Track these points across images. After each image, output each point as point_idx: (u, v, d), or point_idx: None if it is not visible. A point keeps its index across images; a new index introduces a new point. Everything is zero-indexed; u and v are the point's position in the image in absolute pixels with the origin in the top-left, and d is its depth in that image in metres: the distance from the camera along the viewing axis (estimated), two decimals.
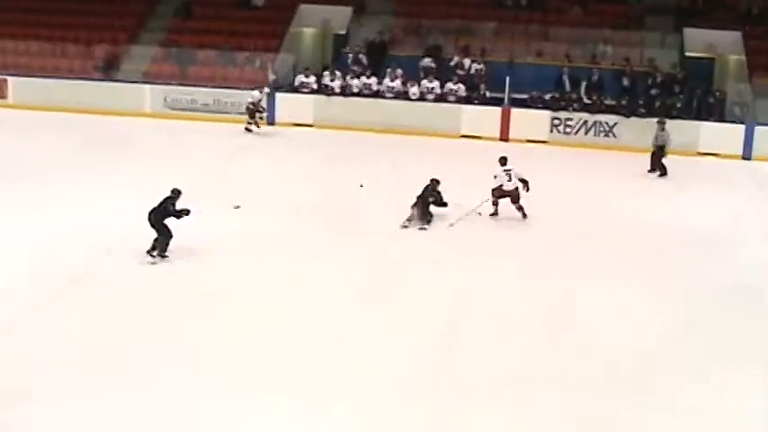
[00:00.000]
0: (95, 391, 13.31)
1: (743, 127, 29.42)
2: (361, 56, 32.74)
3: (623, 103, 30.37)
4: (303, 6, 34.58)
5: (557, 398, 13.63)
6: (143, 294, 16.89)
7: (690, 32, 32.54)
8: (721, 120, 30.07)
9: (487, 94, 31.23)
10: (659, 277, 18.53)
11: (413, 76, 31.68)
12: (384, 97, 31.46)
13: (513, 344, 15.40)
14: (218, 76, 32.81)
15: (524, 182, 21.47)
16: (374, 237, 20.29)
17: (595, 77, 30.92)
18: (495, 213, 21.82)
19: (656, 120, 27.38)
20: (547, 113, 30.57)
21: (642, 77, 31.06)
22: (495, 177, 21.56)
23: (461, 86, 31.25)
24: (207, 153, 26.94)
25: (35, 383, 13.44)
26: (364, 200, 22.85)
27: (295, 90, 31.95)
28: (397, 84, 31.46)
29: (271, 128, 30.71)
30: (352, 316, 16.21)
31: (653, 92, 30.53)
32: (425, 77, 31.55)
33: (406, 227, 20.81)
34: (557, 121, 30.44)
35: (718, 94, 30.76)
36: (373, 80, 31.56)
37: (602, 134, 30.19)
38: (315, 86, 31.79)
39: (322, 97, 31.53)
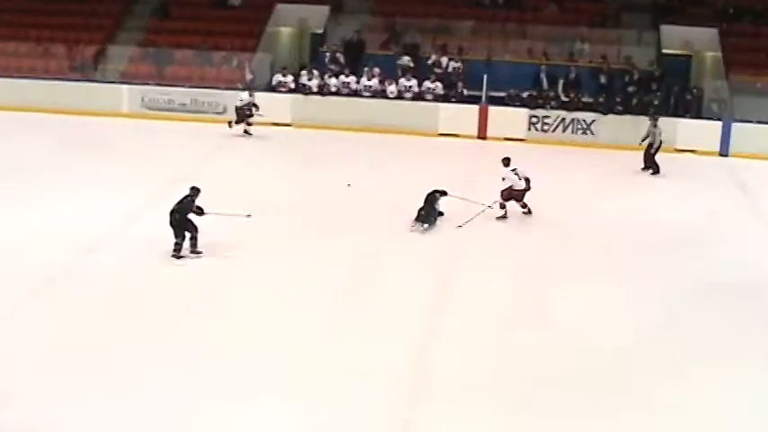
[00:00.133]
0: (78, 391, 13.34)
1: (720, 124, 29.48)
2: (338, 55, 32.66)
3: (601, 100, 30.41)
4: (280, 6, 34.43)
5: (535, 396, 13.67)
6: (125, 295, 16.82)
7: (666, 30, 32.59)
8: (698, 116, 30.11)
9: (465, 92, 31.19)
10: (636, 275, 18.61)
11: (390, 74, 31.62)
12: (362, 96, 31.41)
13: (492, 343, 15.44)
14: (195, 75, 32.66)
15: (527, 180, 21.50)
16: (359, 236, 20.27)
17: (573, 75, 30.93)
18: (504, 216, 21.67)
19: (647, 117, 27.43)
20: (524, 111, 30.55)
21: (619, 75, 31.07)
22: (504, 179, 21.44)
23: (439, 85, 31.19)
24: (184, 153, 26.80)
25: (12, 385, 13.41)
26: (344, 199, 22.82)
27: (272, 89, 31.82)
28: (375, 82, 31.41)
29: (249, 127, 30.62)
30: (348, 316, 16.26)
31: (630, 89, 30.55)
32: (403, 76, 31.51)
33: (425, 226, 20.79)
34: (534, 119, 30.44)
35: (695, 91, 30.84)
36: (351, 79, 31.50)
37: (579, 132, 30.21)
38: (292, 86, 31.68)
39: (299, 96, 31.42)
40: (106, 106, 31.59)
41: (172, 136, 29.29)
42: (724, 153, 29.18)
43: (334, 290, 17.33)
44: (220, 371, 14.06)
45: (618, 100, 30.28)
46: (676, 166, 26.71)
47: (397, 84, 31.28)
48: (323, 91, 31.44)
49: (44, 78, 32.38)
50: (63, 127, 29.36)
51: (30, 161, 25.20)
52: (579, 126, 30.20)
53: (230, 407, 13.05)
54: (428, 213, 20.88)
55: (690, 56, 32.61)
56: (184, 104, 31.71)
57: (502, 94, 30.93)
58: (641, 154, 26.65)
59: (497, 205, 21.64)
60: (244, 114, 29.46)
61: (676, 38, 32.36)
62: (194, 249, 18.60)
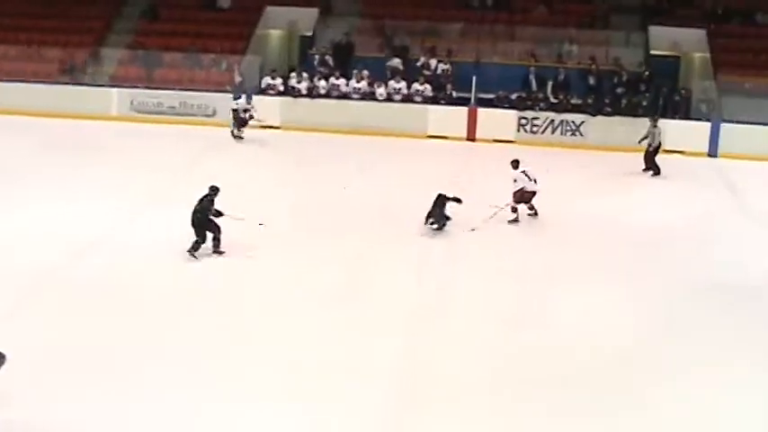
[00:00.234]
0: (78, 391, 13.25)
1: (708, 124, 29.64)
2: (327, 57, 32.72)
3: (589, 101, 30.56)
4: (269, 8, 34.45)
5: (535, 396, 13.67)
6: (124, 295, 16.74)
7: (655, 31, 32.74)
8: (687, 117, 30.25)
9: (454, 94, 31.25)
10: (633, 276, 18.60)
11: (379, 77, 31.65)
12: (351, 99, 31.41)
13: (492, 343, 15.43)
14: (184, 78, 32.69)
15: (534, 181, 21.50)
16: (352, 238, 20.24)
17: (561, 77, 31.06)
18: (516, 220, 21.56)
19: (648, 118, 27.59)
20: (513, 113, 30.63)
21: (608, 76, 31.20)
22: (516, 181, 21.32)
23: (428, 87, 31.23)
24: (174, 156, 26.75)
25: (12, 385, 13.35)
26: (334, 201, 22.80)
27: (262, 92, 31.78)
28: (364, 85, 31.43)
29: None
30: (348, 316, 16.21)
31: (619, 90, 30.69)
32: (392, 78, 31.54)
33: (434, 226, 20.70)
34: (523, 121, 30.50)
35: (683, 91, 30.96)
36: (341, 81, 31.50)
37: (568, 133, 30.31)
38: (281, 88, 31.69)
39: (289, 99, 31.43)
40: (96, 109, 31.51)
41: (161, 139, 29.18)
42: (713, 154, 29.33)
43: (334, 290, 17.29)
44: (220, 371, 14.01)
45: (607, 101, 30.42)
46: (665, 167, 26.74)
47: (386, 86, 31.31)
48: (312, 93, 31.46)
49: (34, 81, 32.35)
50: (53, 130, 29.26)
51: (17, 163, 25.09)
52: (568, 127, 30.29)
53: (230, 407, 13.01)
54: (439, 216, 20.74)
55: (678, 57, 32.74)
56: (173, 107, 31.68)
57: (491, 96, 31.01)
58: (630, 155, 26.77)
59: (509, 208, 21.51)
60: (244, 120, 29.40)
61: (665, 39, 32.49)
62: (216, 249, 18.62)
